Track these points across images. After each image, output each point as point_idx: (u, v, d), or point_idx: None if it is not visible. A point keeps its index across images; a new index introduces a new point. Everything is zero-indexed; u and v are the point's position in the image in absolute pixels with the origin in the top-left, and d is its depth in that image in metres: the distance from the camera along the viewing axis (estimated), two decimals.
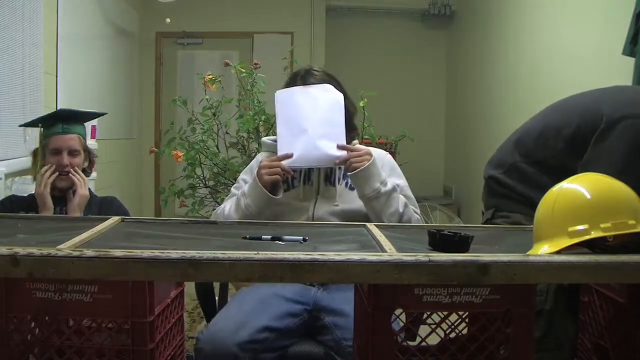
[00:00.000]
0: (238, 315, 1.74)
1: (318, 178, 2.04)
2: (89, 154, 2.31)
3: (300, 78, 2.06)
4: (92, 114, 2.38)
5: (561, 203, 1.34)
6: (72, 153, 2.21)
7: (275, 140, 2.04)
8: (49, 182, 2.16)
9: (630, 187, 1.63)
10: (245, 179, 2.07)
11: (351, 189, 2.02)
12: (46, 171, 2.17)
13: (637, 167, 1.71)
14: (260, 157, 2.12)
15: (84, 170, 2.27)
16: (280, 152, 1.95)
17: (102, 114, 2.56)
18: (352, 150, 1.97)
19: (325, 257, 1.21)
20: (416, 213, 2.02)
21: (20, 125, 2.51)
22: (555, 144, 1.87)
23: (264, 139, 2.22)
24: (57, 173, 2.19)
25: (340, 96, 2.02)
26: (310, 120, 1.96)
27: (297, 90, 2.01)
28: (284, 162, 1.93)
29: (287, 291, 1.86)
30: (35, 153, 2.27)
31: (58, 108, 2.27)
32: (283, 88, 2.07)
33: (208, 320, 2.01)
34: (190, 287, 1.78)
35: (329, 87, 2.03)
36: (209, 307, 2.03)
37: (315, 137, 1.95)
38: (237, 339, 1.65)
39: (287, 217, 1.96)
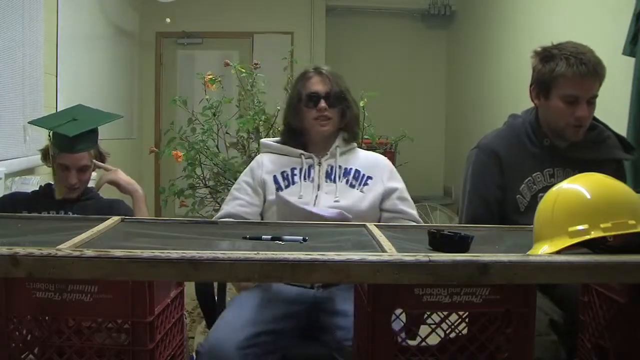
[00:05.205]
0: (236, 320, 1.75)
1: (319, 175, 2.05)
2: (100, 154, 2.24)
3: (314, 68, 2.10)
4: (106, 118, 2.22)
5: (561, 203, 1.33)
6: (82, 169, 2.13)
7: (278, 142, 2.12)
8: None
9: (475, 204, 2.00)
10: (247, 181, 2.07)
11: (351, 186, 2.04)
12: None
13: (476, 187, 2.01)
14: (260, 158, 2.12)
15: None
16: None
17: (118, 117, 2.45)
18: None
19: (325, 257, 1.21)
20: (414, 213, 2.06)
21: (29, 122, 2.27)
22: None
23: (264, 140, 2.22)
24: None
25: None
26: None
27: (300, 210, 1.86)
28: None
29: (287, 293, 1.86)
30: (45, 152, 2.17)
31: (69, 117, 1.98)
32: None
33: (208, 322, 2.01)
34: (190, 287, 1.78)
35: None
36: (209, 309, 2.03)
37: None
38: (236, 344, 1.65)
39: None
